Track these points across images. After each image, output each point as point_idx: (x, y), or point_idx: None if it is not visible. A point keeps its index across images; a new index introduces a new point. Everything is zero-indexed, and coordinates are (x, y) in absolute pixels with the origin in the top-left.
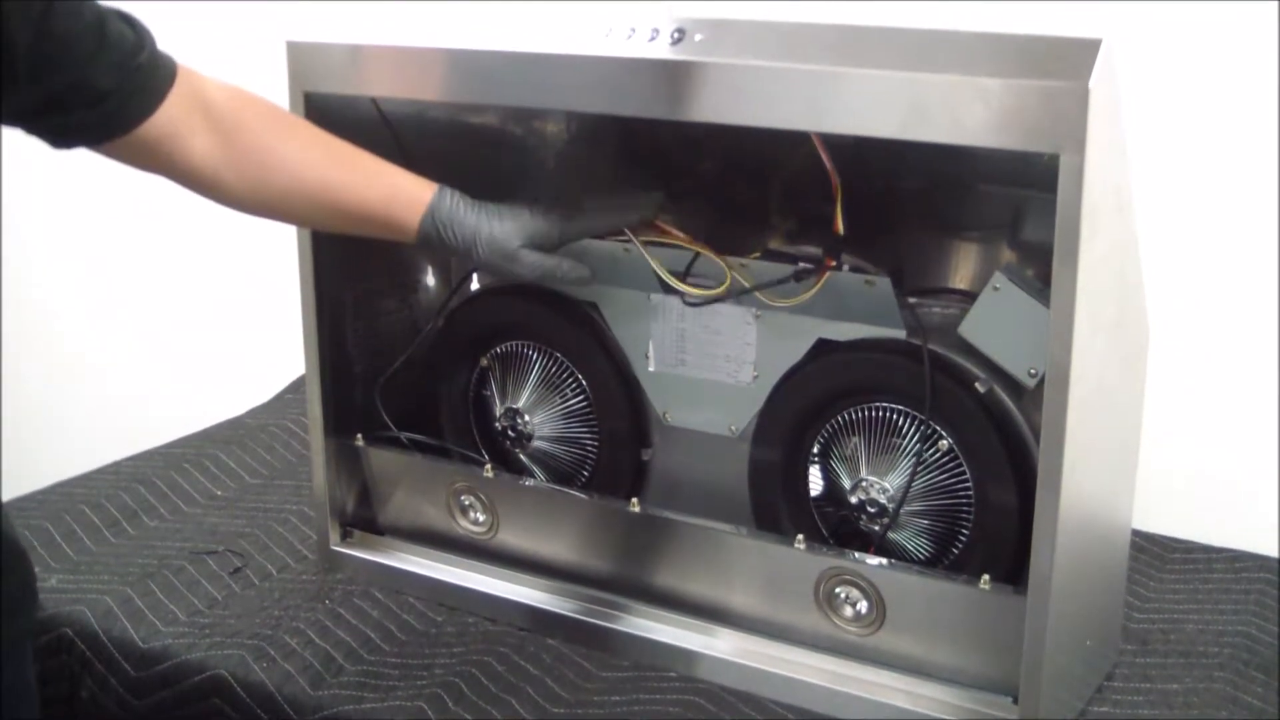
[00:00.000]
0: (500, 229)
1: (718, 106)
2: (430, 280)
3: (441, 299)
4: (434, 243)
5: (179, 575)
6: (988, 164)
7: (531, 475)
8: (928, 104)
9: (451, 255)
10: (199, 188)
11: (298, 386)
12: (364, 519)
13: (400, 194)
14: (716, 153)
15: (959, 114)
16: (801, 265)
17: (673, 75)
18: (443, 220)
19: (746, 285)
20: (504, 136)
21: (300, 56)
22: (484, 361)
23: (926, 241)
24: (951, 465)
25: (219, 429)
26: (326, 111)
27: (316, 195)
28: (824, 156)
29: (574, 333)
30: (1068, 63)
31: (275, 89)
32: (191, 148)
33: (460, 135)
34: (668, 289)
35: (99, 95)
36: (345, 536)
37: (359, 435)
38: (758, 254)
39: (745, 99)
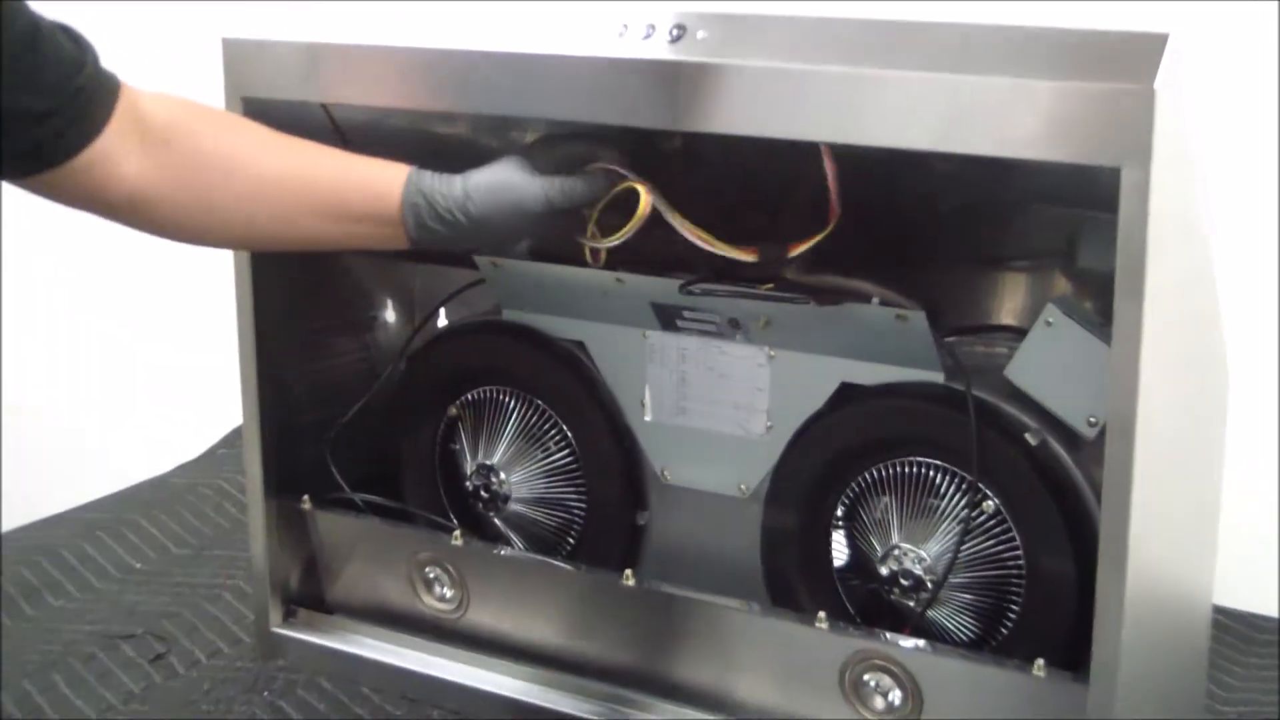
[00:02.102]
0: (490, 171)
1: (723, 115)
2: (390, 316)
3: (403, 338)
4: (422, 215)
5: (89, 665)
6: (1038, 180)
7: (508, 543)
8: (968, 111)
9: (443, 237)
10: (132, 217)
11: (234, 440)
12: (311, 595)
13: (374, 175)
14: (723, 169)
15: (1004, 122)
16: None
17: (671, 79)
18: (426, 187)
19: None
20: (477, 149)
21: (239, 57)
22: (453, 411)
23: (968, 270)
24: (999, 530)
25: (139, 490)
26: (269, 120)
27: (277, 194)
28: (829, 173)
29: (557, 377)
30: (1129, 62)
31: (208, 95)
32: (125, 172)
33: (426, 148)
34: (666, 324)
35: (32, 119)
36: (288, 616)
37: (305, 497)
38: (770, 285)
39: (755, 106)
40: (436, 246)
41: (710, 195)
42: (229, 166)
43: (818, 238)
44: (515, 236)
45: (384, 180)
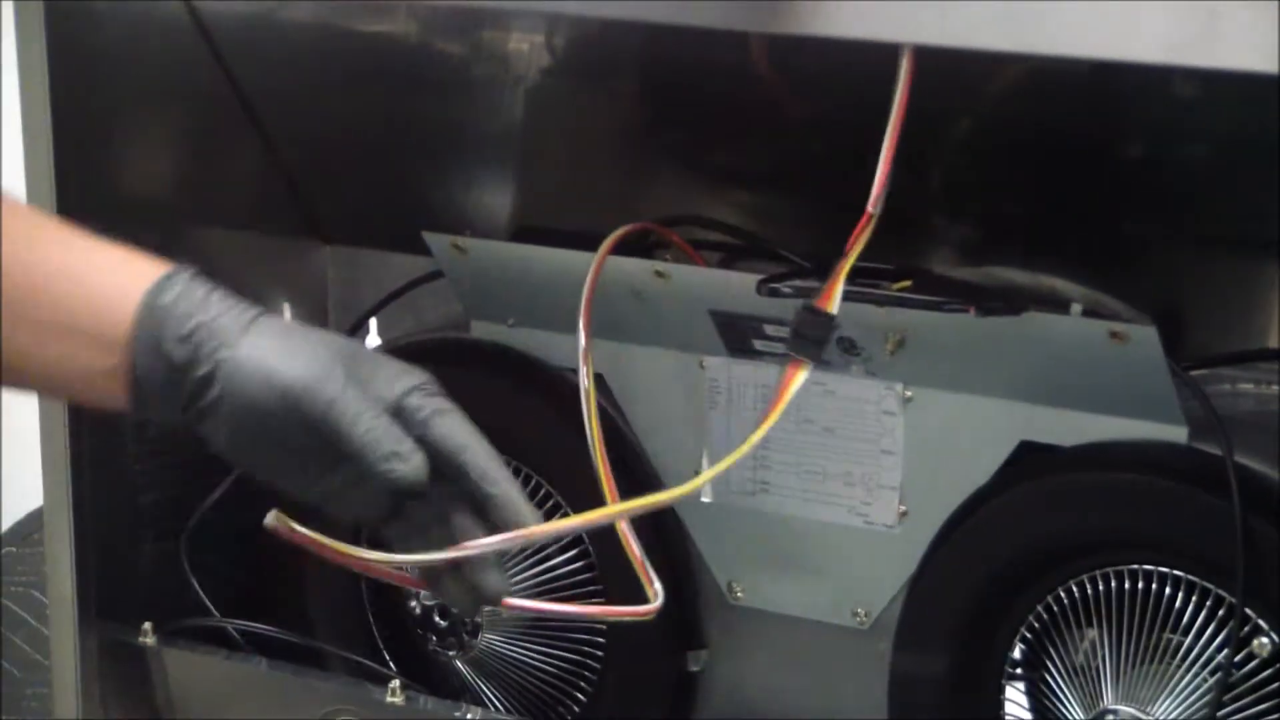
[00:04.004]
0: (286, 345)
1: (832, 13)
2: None
3: None
4: (152, 380)
5: None
6: None
7: (478, 701)
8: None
9: (167, 416)
10: None
11: (29, 530)
12: None
13: (101, 283)
14: (825, 102)
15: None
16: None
17: None
18: (177, 326)
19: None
20: (426, 68)
21: None
22: None
23: (1225, 259)
24: (1277, 686)
25: None
26: (92, 25)
27: None
28: (901, 91)
29: (559, 430)
30: None
31: None
32: None
33: (343, 64)
34: (736, 345)
35: None
36: None
37: (147, 626)
38: (908, 282)
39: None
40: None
41: None
42: None
43: (881, 172)
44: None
45: (111, 294)
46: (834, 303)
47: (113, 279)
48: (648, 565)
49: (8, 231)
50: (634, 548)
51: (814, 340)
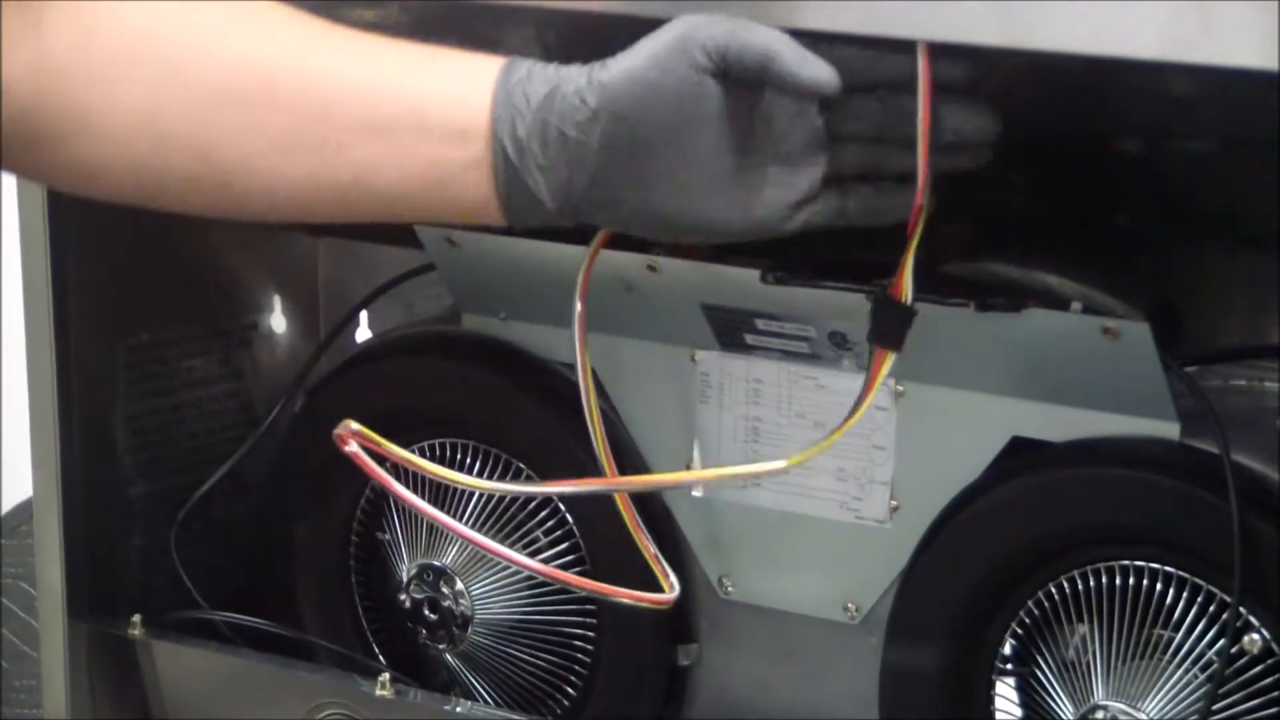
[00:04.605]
0: (650, 51)
1: (828, 9)
2: (277, 324)
3: (300, 360)
4: (540, 136)
5: None
6: None
7: (467, 693)
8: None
9: (561, 162)
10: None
11: (19, 522)
12: None
13: (443, 63)
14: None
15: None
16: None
17: None
18: (535, 71)
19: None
20: None
21: None
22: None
23: (1221, 256)
24: (1271, 682)
25: None
26: None
27: (261, 96)
28: (924, 88)
29: (550, 424)
30: None
31: None
32: None
33: None
34: (728, 339)
35: None
36: None
37: (136, 618)
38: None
39: None
40: (540, 205)
41: None
42: (173, 50)
43: (919, 188)
44: (681, 160)
45: (463, 68)
46: (906, 293)
47: (456, 70)
48: (661, 559)
49: (333, 48)
50: (645, 541)
51: (893, 330)
